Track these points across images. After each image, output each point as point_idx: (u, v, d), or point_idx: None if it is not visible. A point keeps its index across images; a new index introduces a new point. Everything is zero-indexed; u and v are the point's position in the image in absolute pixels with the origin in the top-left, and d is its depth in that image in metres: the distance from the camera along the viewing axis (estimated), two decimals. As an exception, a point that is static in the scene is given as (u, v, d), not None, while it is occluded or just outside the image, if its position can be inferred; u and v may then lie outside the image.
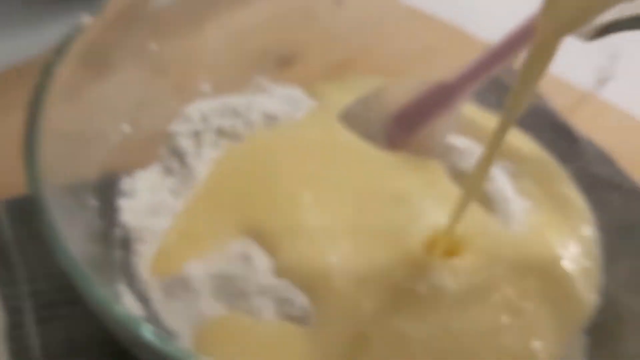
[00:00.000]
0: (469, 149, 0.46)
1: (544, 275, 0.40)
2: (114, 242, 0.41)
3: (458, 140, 0.47)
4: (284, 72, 0.52)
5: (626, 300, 0.39)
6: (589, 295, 0.40)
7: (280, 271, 0.40)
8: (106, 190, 0.42)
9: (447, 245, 0.40)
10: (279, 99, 0.50)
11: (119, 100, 0.44)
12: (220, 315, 0.38)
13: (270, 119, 0.48)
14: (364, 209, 0.43)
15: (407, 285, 0.39)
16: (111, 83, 0.43)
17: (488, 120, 0.49)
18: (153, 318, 0.38)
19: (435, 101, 0.45)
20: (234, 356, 0.36)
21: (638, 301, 0.39)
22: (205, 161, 0.46)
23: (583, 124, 0.51)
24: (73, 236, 0.31)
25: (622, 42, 0.42)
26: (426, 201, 0.43)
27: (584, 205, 0.45)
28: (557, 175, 0.46)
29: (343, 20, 0.52)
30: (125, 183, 0.44)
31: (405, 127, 0.46)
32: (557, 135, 0.50)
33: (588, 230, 0.43)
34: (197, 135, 0.46)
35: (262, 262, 0.40)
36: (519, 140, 0.48)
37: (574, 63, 0.46)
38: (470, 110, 0.49)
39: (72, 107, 0.38)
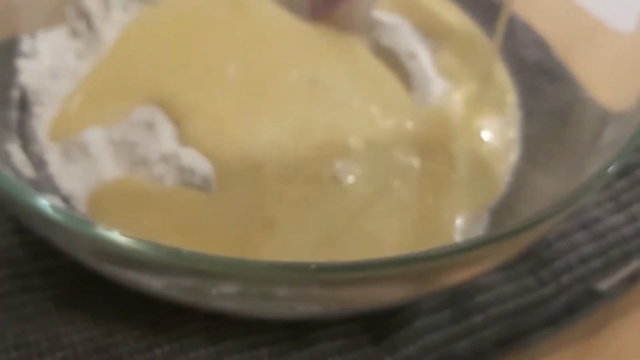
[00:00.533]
0: (394, 25, 0.44)
1: (459, 150, 0.39)
2: (10, 103, 0.39)
3: (384, 15, 0.45)
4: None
5: (537, 182, 0.38)
6: (502, 176, 0.39)
7: (185, 139, 0.38)
8: (4, 50, 0.40)
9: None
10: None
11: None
12: (117, 178, 0.37)
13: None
14: (278, 88, 0.41)
15: (311, 171, 0.38)
16: None
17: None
18: (47, 181, 0.37)
19: None
20: (131, 219, 0.35)
21: (548, 185, 0.38)
22: (114, 25, 0.43)
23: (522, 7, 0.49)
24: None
25: None
26: (342, 84, 0.41)
27: (508, 84, 0.43)
28: (485, 52, 0.44)
29: None
30: (27, 44, 0.41)
31: None
32: (492, 15, 0.48)
33: (510, 111, 0.42)
34: (104, -4, 0.43)
35: (166, 130, 0.39)
36: (450, 14, 0.46)
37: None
38: None
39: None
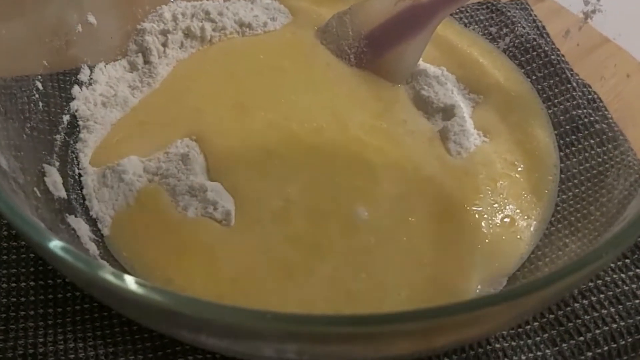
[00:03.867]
0: (438, 76, 0.44)
1: (482, 211, 0.38)
2: (59, 127, 0.41)
3: (429, 66, 0.44)
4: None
5: (563, 244, 0.36)
6: (525, 242, 0.38)
7: (212, 172, 0.39)
8: (60, 79, 0.43)
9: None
10: (258, 8, 0.48)
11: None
12: (143, 206, 0.38)
13: (244, 27, 0.47)
14: (308, 131, 0.41)
15: (338, 209, 0.38)
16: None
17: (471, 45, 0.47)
18: (78, 202, 0.39)
19: (407, 22, 0.43)
20: (148, 245, 0.37)
21: (574, 246, 0.36)
22: (170, 61, 0.45)
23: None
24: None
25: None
26: (375, 132, 0.42)
27: (549, 146, 0.42)
28: (530, 111, 0.43)
29: None
30: (85, 74, 0.44)
31: (376, 46, 0.44)
32: (549, 72, 0.46)
33: (546, 172, 0.40)
34: (164, 34, 0.46)
35: (198, 163, 0.40)
36: (498, 68, 0.45)
37: None
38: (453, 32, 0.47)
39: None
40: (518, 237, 0.37)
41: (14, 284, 0.36)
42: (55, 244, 0.26)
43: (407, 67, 0.44)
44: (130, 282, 0.25)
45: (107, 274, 0.25)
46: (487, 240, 0.37)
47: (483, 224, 0.38)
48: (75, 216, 0.37)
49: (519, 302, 0.26)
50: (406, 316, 0.24)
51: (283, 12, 0.49)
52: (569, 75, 0.46)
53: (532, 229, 0.38)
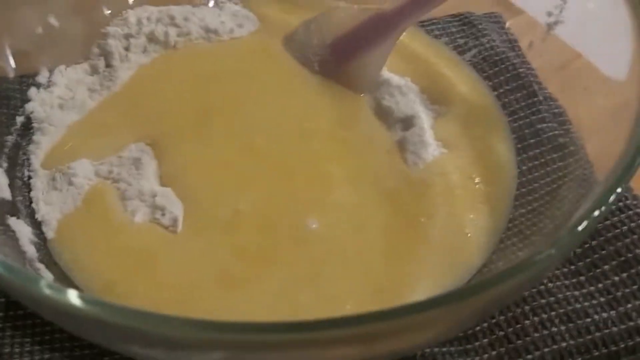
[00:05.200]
0: (400, 86, 0.43)
1: (436, 223, 0.37)
2: (12, 128, 0.41)
3: (393, 76, 0.44)
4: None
5: (515, 257, 0.35)
6: (478, 254, 0.37)
7: (164, 177, 0.39)
8: (18, 80, 0.42)
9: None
10: (226, 14, 0.48)
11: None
12: (89, 209, 0.38)
13: (210, 33, 0.47)
14: (267, 140, 0.41)
15: (289, 220, 0.37)
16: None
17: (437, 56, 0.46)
18: (24, 204, 0.38)
19: (370, 32, 0.42)
20: (92, 249, 0.36)
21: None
22: (131, 65, 0.45)
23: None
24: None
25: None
26: (333, 140, 0.41)
27: (508, 159, 0.41)
28: (492, 124, 0.42)
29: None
30: (43, 76, 0.44)
31: (339, 55, 0.44)
32: (516, 86, 0.46)
33: (504, 186, 0.39)
34: (127, 38, 0.45)
35: (150, 168, 0.39)
36: (462, 80, 0.45)
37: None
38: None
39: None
40: (470, 249, 0.36)
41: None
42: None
43: (370, 76, 0.43)
44: (43, 285, 0.25)
45: (21, 278, 0.25)
46: (438, 252, 0.36)
47: (435, 235, 0.37)
48: (18, 218, 0.37)
49: (449, 308, 0.25)
50: (320, 324, 0.23)
51: (251, 19, 0.48)
52: (536, 88, 0.45)
53: (485, 241, 0.37)
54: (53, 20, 0.44)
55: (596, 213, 0.27)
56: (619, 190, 0.29)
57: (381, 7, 0.42)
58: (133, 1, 0.48)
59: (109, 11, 0.46)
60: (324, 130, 0.41)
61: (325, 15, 0.45)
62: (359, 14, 0.43)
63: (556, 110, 0.44)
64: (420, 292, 0.34)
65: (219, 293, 0.35)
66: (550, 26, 0.43)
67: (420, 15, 0.42)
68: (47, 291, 0.24)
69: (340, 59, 0.44)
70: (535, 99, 0.44)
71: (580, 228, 0.27)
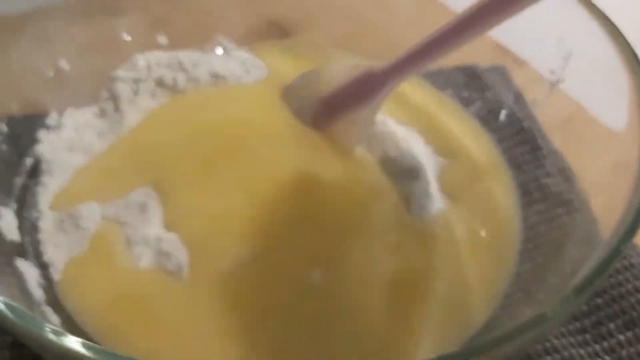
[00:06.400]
0: (406, 138, 0.44)
1: (440, 278, 0.37)
2: (21, 169, 0.41)
3: (398, 127, 0.44)
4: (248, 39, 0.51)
5: (520, 313, 0.35)
6: (481, 312, 0.37)
7: (169, 223, 0.39)
8: (27, 122, 0.43)
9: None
10: (234, 61, 0.49)
11: (61, 36, 0.44)
12: (95, 252, 0.38)
13: (218, 79, 0.47)
14: (271, 190, 0.40)
15: (293, 272, 0.37)
16: (54, 19, 0.43)
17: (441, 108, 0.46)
18: (32, 246, 0.38)
19: (359, 90, 0.41)
20: (97, 293, 0.36)
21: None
22: (140, 109, 0.45)
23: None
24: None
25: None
26: (336, 192, 0.41)
27: (513, 215, 0.41)
28: (497, 177, 0.42)
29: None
30: (53, 118, 0.44)
31: (330, 110, 0.43)
32: (521, 139, 0.46)
33: (508, 241, 0.40)
34: (136, 82, 0.46)
35: (156, 213, 0.39)
36: (467, 132, 0.45)
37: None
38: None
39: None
40: (475, 303, 0.36)
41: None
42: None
43: (358, 133, 0.43)
44: (48, 331, 0.25)
45: (27, 322, 0.26)
46: (443, 307, 0.36)
47: (439, 290, 0.37)
48: (26, 259, 0.37)
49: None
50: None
51: (259, 68, 0.49)
52: (541, 142, 0.45)
53: (489, 296, 0.37)
54: (64, 64, 0.44)
55: (602, 273, 0.28)
56: (622, 249, 0.29)
57: (371, 65, 0.41)
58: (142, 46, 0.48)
59: (121, 55, 0.47)
60: (329, 181, 0.41)
61: (320, 69, 0.45)
62: (352, 70, 0.42)
63: (561, 165, 0.44)
64: (425, 349, 0.34)
65: (219, 343, 0.34)
66: (553, 84, 0.43)
67: (408, 76, 0.40)
68: (51, 336, 0.25)
69: (330, 115, 0.43)
70: (540, 152, 0.45)
71: (585, 289, 0.27)
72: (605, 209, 0.36)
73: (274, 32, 0.53)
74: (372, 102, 0.40)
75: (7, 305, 0.26)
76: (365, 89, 0.40)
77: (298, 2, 0.52)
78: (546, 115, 0.47)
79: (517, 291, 0.37)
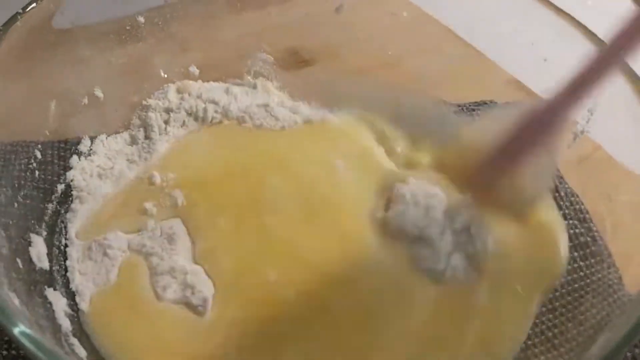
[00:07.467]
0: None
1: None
2: (53, 196, 0.42)
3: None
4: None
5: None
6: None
7: (197, 255, 0.40)
8: (60, 148, 0.44)
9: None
10: (264, 97, 0.50)
11: (96, 65, 0.45)
12: (122, 283, 0.38)
13: (246, 115, 0.48)
14: (302, 234, 0.41)
15: (322, 302, 0.38)
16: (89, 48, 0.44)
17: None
18: (60, 273, 0.39)
19: (527, 135, 0.37)
20: (124, 326, 0.37)
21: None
22: (170, 138, 0.46)
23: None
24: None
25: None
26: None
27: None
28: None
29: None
30: (85, 144, 0.45)
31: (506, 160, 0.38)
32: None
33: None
34: (167, 112, 0.47)
35: (184, 244, 0.40)
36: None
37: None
38: None
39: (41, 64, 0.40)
40: (493, 355, 0.37)
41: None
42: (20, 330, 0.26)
43: (533, 193, 0.40)
44: None
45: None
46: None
47: (458, 344, 0.37)
48: (55, 289, 0.37)
49: None
50: None
51: (298, 112, 0.48)
52: (557, 184, 0.46)
53: (508, 346, 0.37)
54: (98, 92, 0.45)
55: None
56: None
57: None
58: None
59: (153, 84, 0.48)
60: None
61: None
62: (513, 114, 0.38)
63: (577, 207, 0.45)
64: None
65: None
66: (576, 135, 0.44)
67: (570, 111, 0.36)
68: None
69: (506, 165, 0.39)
70: (556, 194, 0.45)
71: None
72: (625, 254, 0.37)
73: (296, 59, 0.54)
74: (548, 145, 0.37)
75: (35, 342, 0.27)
76: (535, 131, 0.36)
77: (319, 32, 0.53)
78: (562, 155, 0.47)
79: (535, 338, 0.37)
